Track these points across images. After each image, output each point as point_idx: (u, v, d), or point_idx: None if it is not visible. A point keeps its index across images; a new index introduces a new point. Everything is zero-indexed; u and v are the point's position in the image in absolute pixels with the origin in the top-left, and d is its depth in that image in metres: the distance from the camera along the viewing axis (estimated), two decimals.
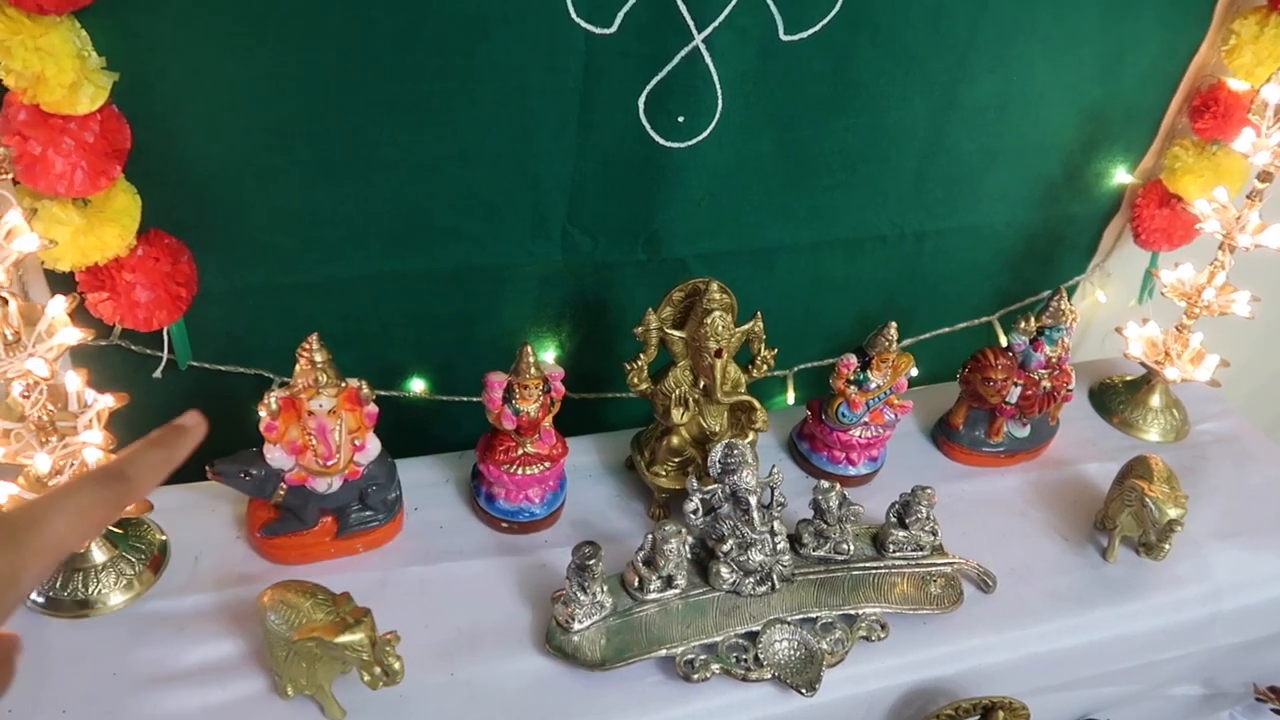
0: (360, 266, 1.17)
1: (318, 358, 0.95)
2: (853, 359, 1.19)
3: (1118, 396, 1.45)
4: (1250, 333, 1.37)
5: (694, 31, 1.07)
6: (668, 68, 1.10)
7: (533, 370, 1.05)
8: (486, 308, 1.27)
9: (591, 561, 0.96)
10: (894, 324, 1.17)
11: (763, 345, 1.13)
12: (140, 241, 1.01)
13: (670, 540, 1.00)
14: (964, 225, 1.43)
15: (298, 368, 0.96)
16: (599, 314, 1.33)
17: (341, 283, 1.19)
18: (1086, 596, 1.15)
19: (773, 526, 1.05)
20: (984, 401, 1.27)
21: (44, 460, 0.90)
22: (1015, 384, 1.26)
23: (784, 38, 1.12)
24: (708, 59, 1.10)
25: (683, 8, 1.05)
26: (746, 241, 1.32)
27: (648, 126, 1.14)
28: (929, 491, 1.09)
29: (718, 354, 1.09)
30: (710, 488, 1.05)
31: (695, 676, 0.98)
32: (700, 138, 1.16)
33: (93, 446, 0.93)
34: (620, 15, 1.05)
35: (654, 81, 1.11)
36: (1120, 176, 1.48)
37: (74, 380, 0.94)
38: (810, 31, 1.13)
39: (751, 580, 1.04)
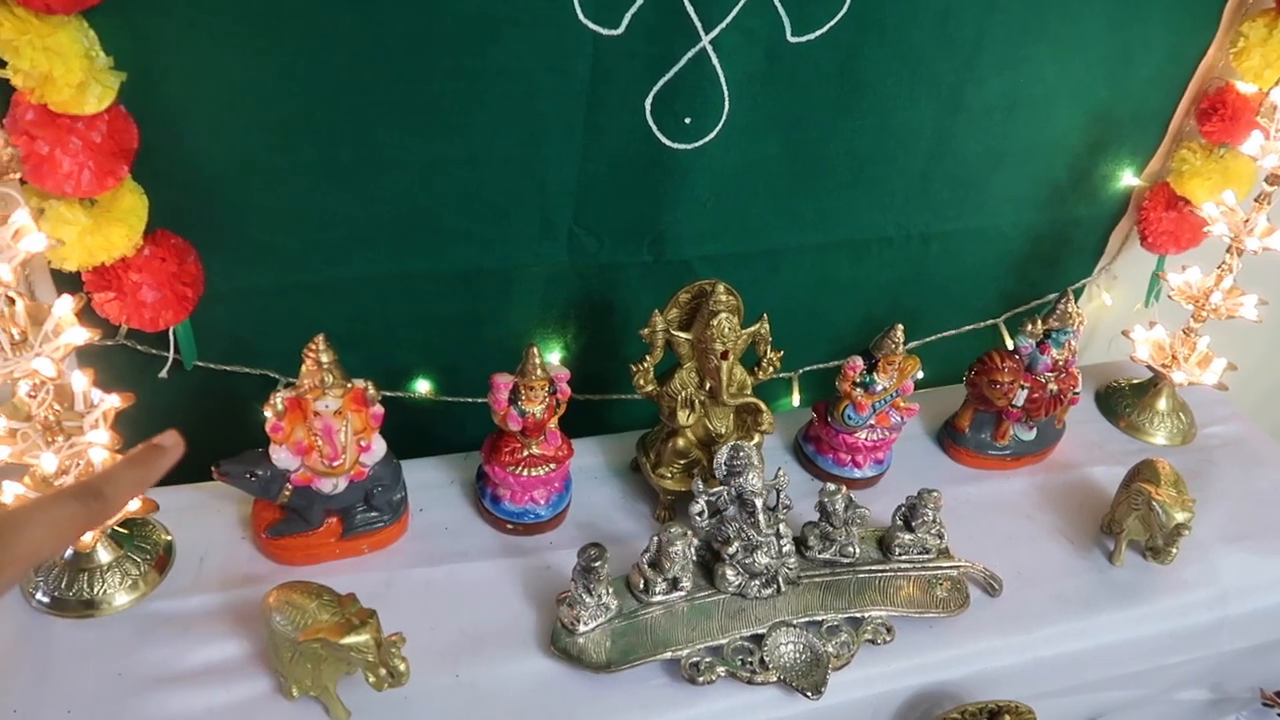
0: (366, 267, 1.17)
1: (324, 358, 0.95)
2: (859, 361, 1.19)
3: (1124, 400, 1.45)
4: (1258, 336, 1.37)
5: (701, 33, 1.07)
6: (675, 69, 1.10)
7: (538, 372, 1.05)
8: (492, 309, 1.27)
9: (597, 564, 0.96)
10: (900, 326, 1.17)
11: (769, 347, 1.13)
12: (147, 241, 1.01)
13: (676, 542, 1.00)
14: (970, 227, 1.43)
15: (304, 368, 0.96)
16: (604, 315, 1.32)
17: (347, 283, 1.19)
18: (1093, 600, 1.15)
19: (778, 529, 1.04)
20: (990, 404, 1.27)
21: (50, 460, 0.90)
22: (1022, 387, 1.26)
23: (791, 39, 1.12)
24: (715, 60, 1.10)
25: (690, 9, 1.05)
26: (752, 243, 1.31)
27: (654, 128, 1.14)
28: (935, 494, 1.09)
29: (724, 356, 1.09)
30: (716, 490, 1.05)
31: (700, 679, 0.98)
32: (707, 139, 1.16)
33: (99, 446, 0.93)
34: (628, 16, 1.04)
35: (661, 83, 1.11)
36: (1127, 179, 1.48)
37: (80, 380, 0.94)
38: (818, 33, 1.12)
39: (757, 583, 1.04)
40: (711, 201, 1.24)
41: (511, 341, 1.26)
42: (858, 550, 1.09)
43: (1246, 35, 1.29)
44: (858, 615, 1.06)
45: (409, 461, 1.14)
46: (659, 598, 1.02)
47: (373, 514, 1.07)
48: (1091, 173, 1.45)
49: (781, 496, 1.05)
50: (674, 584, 1.03)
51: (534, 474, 1.10)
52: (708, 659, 0.99)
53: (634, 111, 1.12)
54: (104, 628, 0.97)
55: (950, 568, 1.11)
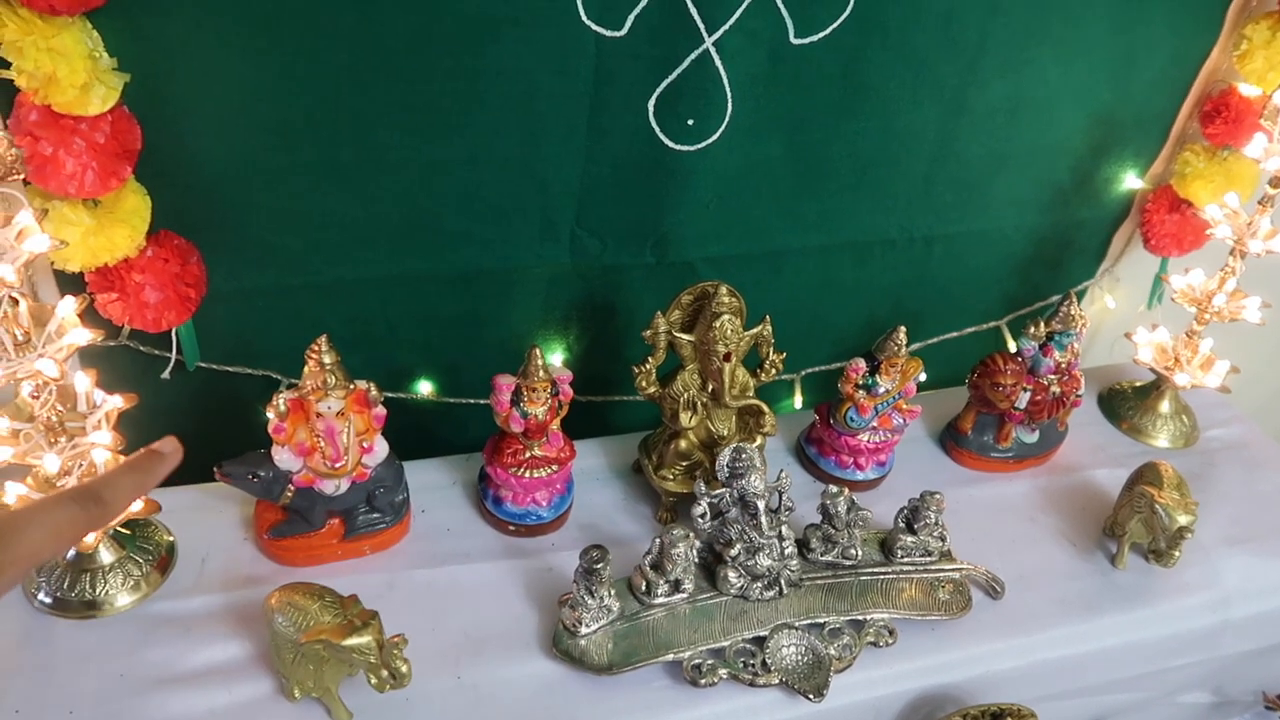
0: (368, 268, 1.17)
1: (327, 359, 0.95)
2: (861, 363, 1.19)
3: (1127, 402, 1.45)
4: (1261, 339, 1.36)
5: (704, 34, 1.07)
6: (678, 70, 1.10)
7: (541, 373, 1.05)
8: (494, 310, 1.27)
9: (599, 565, 0.96)
10: (903, 328, 1.17)
11: (771, 349, 1.13)
12: (150, 242, 1.01)
13: (678, 544, 1.00)
14: (973, 230, 1.43)
15: (306, 369, 0.96)
16: (607, 317, 1.32)
17: (349, 284, 1.19)
18: (1095, 603, 1.15)
19: (780, 531, 1.04)
20: (993, 407, 1.26)
21: (53, 461, 0.90)
22: (1024, 389, 1.25)
23: (794, 41, 1.12)
24: (718, 62, 1.10)
25: (693, 10, 1.05)
26: (755, 245, 1.31)
27: (657, 129, 1.14)
28: (937, 497, 1.09)
29: (726, 358, 1.09)
30: (718, 492, 1.05)
31: (702, 681, 0.98)
32: (710, 141, 1.16)
33: (101, 447, 0.93)
34: (631, 18, 1.05)
35: (664, 84, 1.11)
36: (1130, 181, 1.48)
37: (83, 381, 0.94)
38: (821, 35, 1.12)
39: (759, 585, 1.04)
40: (714, 203, 1.24)
41: (514, 343, 1.27)
42: (860, 552, 1.09)
43: (1250, 38, 1.29)
44: (860, 618, 1.06)
45: (411, 463, 1.14)
46: (661, 600, 1.02)
47: (375, 515, 1.07)
48: (1094, 175, 1.45)
49: (784, 499, 1.05)
50: (676, 586, 1.03)
51: (536, 475, 1.09)
52: (710, 661, 0.99)
53: (637, 113, 1.12)
54: (106, 628, 0.97)
55: (952, 570, 1.11)
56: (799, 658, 1.02)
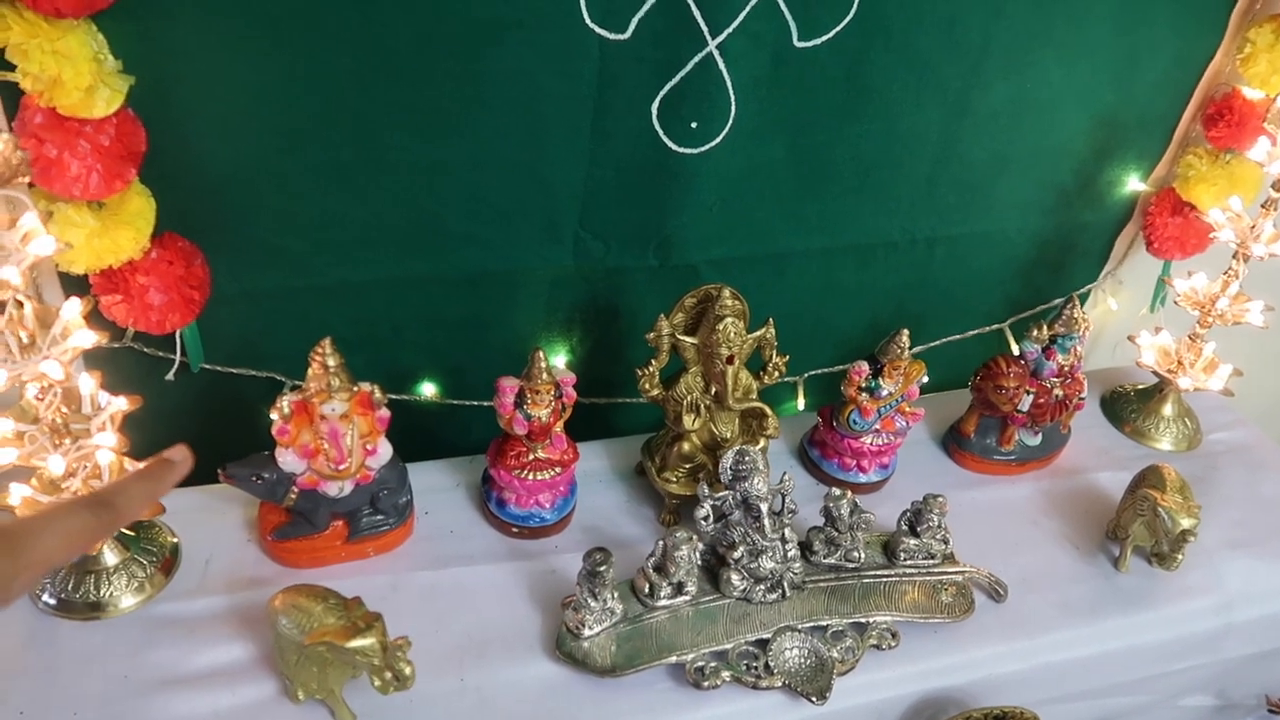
0: (372, 270, 1.18)
1: (330, 362, 0.95)
2: (864, 366, 1.19)
3: (1130, 405, 1.45)
4: (1264, 342, 1.36)
5: (708, 37, 1.07)
6: (681, 73, 1.10)
7: (544, 375, 1.05)
8: (498, 312, 1.28)
9: (602, 568, 0.96)
10: (906, 331, 1.17)
11: (774, 352, 1.13)
12: (154, 244, 1.01)
13: (681, 547, 1.00)
14: (976, 232, 1.43)
15: (310, 371, 0.96)
16: (610, 319, 1.32)
17: (353, 286, 1.19)
18: (1098, 606, 1.15)
19: (783, 533, 1.04)
20: (996, 409, 1.27)
21: (58, 462, 0.91)
22: (1027, 392, 1.25)
23: (798, 44, 1.12)
24: (721, 65, 1.10)
25: (697, 13, 1.05)
26: (758, 247, 1.32)
27: (660, 132, 1.14)
28: (940, 500, 1.09)
29: (729, 360, 1.09)
30: (721, 494, 1.05)
31: (705, 684, 0.98)
32: (713, 143, 1.16)
33: (106, 449, 0.93)
34: (634, 21, 1.05)
35: (667, 87, 1.11)
36: (1133, 184, 1.48)
37: (88, 383, 0.94)
38: (824, 38, 1.12)
39: (762, 587, 1.04)
40: (718, 206, 1.24)
41: (517, 345, 1.27)
42: (863, 555, 1.09)
43: (1253, 41, 1.29)
44: (863, 620, 1.06)
45: (414, 465, 1.14)
46: (664, 602, 1.02)
47: (378, 517, 1.07)
48: (1097, 178, 1.45)
49: (786, 501, 1.05)
50: (679, 588, 1.03)
51: (539, 478, 1.10)
52: (712, 664, 0.99)
53: (640, 116, 1.12)
54: (110, 630, 0.97)
55: (955, 573, 1.11)
56: (802, 660, 1.02)
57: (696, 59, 1.09)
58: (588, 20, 1.03)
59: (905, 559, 1.10)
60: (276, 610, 0.89)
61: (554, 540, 1.14)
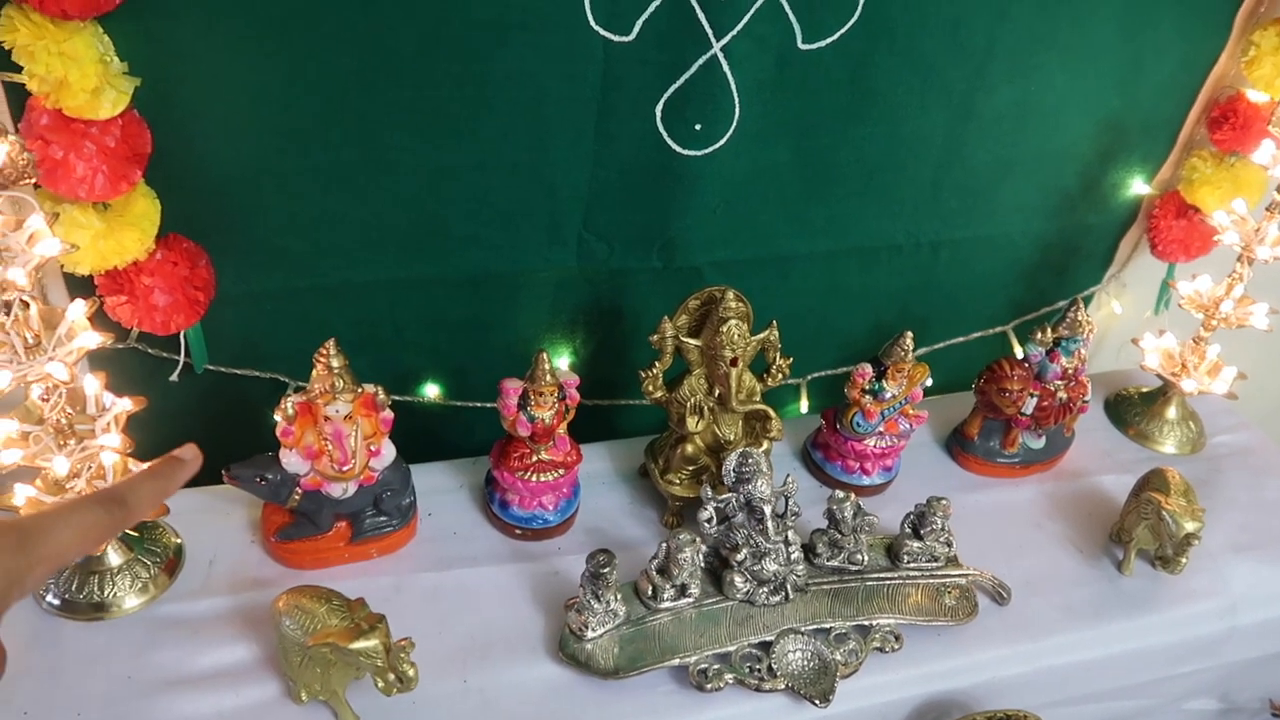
0: (376, 271, 1.18)
1: (334, 363, 0.96)
2: (868, 368, 1.19)
3: (1134, 408, 1.45)
4: (1269, 345, 1.36)
5: (712, 40, 1.07)
6: (685, 75, 1.10)
7: (548, 377, 1.05)
8: (501, 314, 1.28)
9: (605, 570, 0.96)
10: (909, 334, 1.17)
11: (778, 354, 1.13)
12: (159, 246, 1.01)
13: (684, 549, 1.00)
14: (980, 235, 1.43)
15: (314, 373, 0.97)
16: (614, 321, 1.33)
17: (357, 288, 1.19)
18: (1102, 609, 1.14)
19: (787, 536, 1.04)
20: (999, 412, 1.26)
21: (62, 463, 0.91)
22: (1031, 395, 1.25)
23: (802, 46, 1.12)
24: (726, 67, 1.10)
25: (701, 16, 1.05)
26: (762, 250, 1.31)
27: (665, 134, 1.14)
28: (944, 502, 1.09)
29: (733, 362, 1.09)
30: (724, 496, 1.05)
31: (708, 686, 0.98)
32: (717, 146, 1.16)
33: (110, 450, 0.94)
34: (639, 23, 1.05)
35: (672, 89, 1.11)
36: (1137, 187, 1.48)
37: (92, 383, 0.95)
38: (828, 40, 1.13)
39: (765, 590, 1.04)
40: (722, 208, 1.24)
41: (521, 347, 1.27)
42: (866, 558, 1.09)
43: (1258, 44, 1.29)
44: (866, 623, 1.06)
45: (418, 466, 1.14)
46: (667, 604, 1.02)
47: (382, 518, 1.08)
48: (1101, 181, 1.45)
49: (790, 503, 1.05)
50: (682, 590, 1.03)
51: (542, 479, 1.10)
52: (715, 666, 0.99)
53: (645, 118, 1.13)
54: (114, 630, 0.98)
55: (959, 576, 1.11)
56: (805, 663, 1.02)
57: (701, 61, 1.09)
58: (592, 22, 1.03)
59: (909, 561, 1.10)
60: (280, 611, 0.89)
61: (557, 542, 1.14)
